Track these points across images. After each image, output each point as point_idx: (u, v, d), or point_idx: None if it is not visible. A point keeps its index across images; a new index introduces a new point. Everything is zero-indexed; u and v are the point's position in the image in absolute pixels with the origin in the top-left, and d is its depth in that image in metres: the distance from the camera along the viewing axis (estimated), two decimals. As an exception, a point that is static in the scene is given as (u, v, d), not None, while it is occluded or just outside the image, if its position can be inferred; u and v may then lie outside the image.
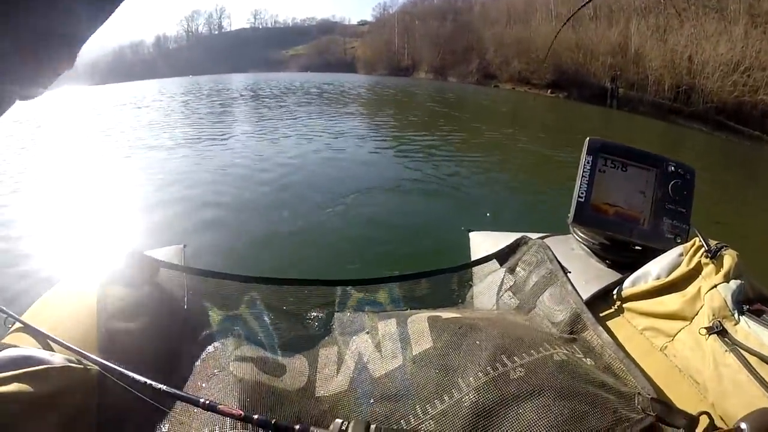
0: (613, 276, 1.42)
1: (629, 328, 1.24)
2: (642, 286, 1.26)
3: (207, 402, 0.81)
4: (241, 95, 26.29)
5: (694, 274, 1.15)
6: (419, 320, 1.22)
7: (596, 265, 1.53)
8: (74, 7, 0.35)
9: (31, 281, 3.87)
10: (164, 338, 1.19)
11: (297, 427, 0.79)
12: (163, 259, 1.44)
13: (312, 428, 0.80)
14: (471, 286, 1.74)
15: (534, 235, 1.73)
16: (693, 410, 0.86)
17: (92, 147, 10.44)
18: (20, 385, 0.78)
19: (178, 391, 0.87)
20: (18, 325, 1.07)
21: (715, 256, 1.12)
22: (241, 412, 0.80)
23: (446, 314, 1.26)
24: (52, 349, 0.97)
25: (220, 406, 0.80)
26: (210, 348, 1.17)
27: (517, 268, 1.60)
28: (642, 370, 1.03)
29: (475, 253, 1.93)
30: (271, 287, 1.53)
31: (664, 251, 1.28)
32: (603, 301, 1.34)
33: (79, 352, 0.94)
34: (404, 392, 1.01)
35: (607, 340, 1.12)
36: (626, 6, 36.36)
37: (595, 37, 37.85)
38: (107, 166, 8.39)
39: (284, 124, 14.00)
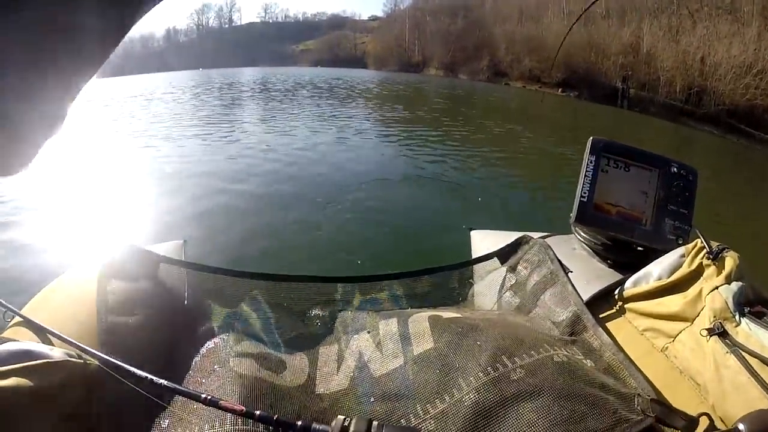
0: (614, 276, 1.41)
1: (630, 328, 1.24)
2: (643, 287, 1.25)
3: (209, 397, 0.81)
4: (251, 89, 26.36)
5: (695, 275, 1.16)
6: (420, 320, 1.22)
7: (598, 265, 1.52)
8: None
9: (30, 274, 3.86)
10: (164, 333, 1.18)
11: (299, 423, 0.81)
12: (163, 254, 1.42)
13: (314, 424, 0.81)
14: (472, 284, 1.73)
15: (535, 235, 1.72)
16: (693, 411, 0.87)
17: (99, 139, 10.47)
18: (19, 379, 0.76)
19: (179, 387, 0.87)
20: (17, 318, 1.06)
21: (716, 257, 1.12)
22: (243, 407, 0.80)
23: (447, 314, 1.27)
24: (51, 343, 0.96)
25: (221, 402, 0.80)
26: (210, 344, 1.16)
27: (518, 267, 1.60)
28: (642, 372, 1.04)
29: (477, 252, 1.91)
30: (271, 283, 1.52)
31: (665, 252, 1.28)
32: (604, 302, 1.34)
33: (79, 346, 0.93)
34: (405, 391, 1.02)
35: (607, 341, 1.14)
36: (639, 6, 36.17)
37: (607, 37, 37.70)
38: (112, 158, 8.42)
39: (291, 118, 14.05)
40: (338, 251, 4.47)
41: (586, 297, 1.31)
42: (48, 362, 0.83)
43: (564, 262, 1.47)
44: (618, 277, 1.39)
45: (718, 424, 0.88)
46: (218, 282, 1.45)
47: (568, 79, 39.39)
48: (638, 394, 0.93)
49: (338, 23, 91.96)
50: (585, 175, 1.49)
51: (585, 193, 1.47)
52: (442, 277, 1.74)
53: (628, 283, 1.31)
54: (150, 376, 0.86)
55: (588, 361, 1.08)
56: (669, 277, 1.21)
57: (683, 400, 0.97)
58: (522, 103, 27.88)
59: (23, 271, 3.95)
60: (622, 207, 1.48)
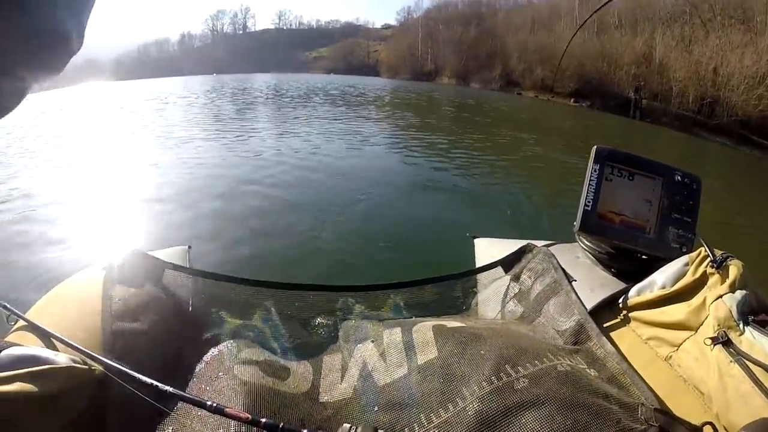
0: (618, 285, 1.41)
1: (634, 337, 1.24)
2: (647, 296, 1.26)
3: (214, 405, 0.81)
4: (264, 95, 26.38)
5: (699, 284, 1.16)
6: (424, 329, 1.23)
7: (602, 274, 1.52)
8: None
9: (35, 277, 3.91)
10: (168, 339, 1.20)
11: (304, 431, 0.80)
12: (168, 260, 1.45)
13: None
14: (476, 293, 1.75)
15: (539, 243, 1.73)
16: (697, 421, 0.88)
17: (111, 142, 10.51)
18: (24, 384, 0.77)
19: (185, 393, 0.88)
20: (21, 322, 1.07)
21: (720, 266, 1.13)
22: (248, 415, 0.81)
23: (451, 323, 1.27)
24: (56, 348, 0.97)
25: (227, 410, 0.81)
26: (214, 350, 1.17)
27: (522, 276, 1.61)
28: (645, 381, 1.04)
29: (480, 260, 1.94)
30: (276, 292, 1.54)
31: (669, 260, 1.29)
32: (608, 310, 1.34)
33: (85, 352, 0.94)
34: (409, 401, 1.02)
35: (611, 351, 1.14)
36: (651, 15, 36.02)
37: (620, 46, 37.55)
38: (122, 160, 8.43)
39: (302, 124, 13.99)
40: (343, 259, 4.45)
41: (589, 306, 1.32)
42: (53, 368, 0.84)
43: (568, 270, 1.48)
44: (622, 285, 1.39)
45: None
46: (223, 289, 1.48)
47: (580, 89, 39.22)
48: (642, 404, 0.93)
49: (352, 31, 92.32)
50: (589, 184, 1.49)
51: (589, 201, 1.48)
52: (446, 286, 1.75)
53: (632, 292, 1.31)
54: (156, 383, 0.87)
55: (592, 370, 1.08)
56: (673, 285, 1.21)
57: (687, 410, 0.97)
58: (533, 113, 27.70)
59: (28, 274, 3.98)
60: (626, 216, 1.48)
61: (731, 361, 0.96)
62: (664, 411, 0.91)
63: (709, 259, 1.16)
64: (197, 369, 1.11)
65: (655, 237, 1.45)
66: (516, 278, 1.62)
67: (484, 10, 60.30)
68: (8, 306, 1.08)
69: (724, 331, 1.01)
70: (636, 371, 1.07)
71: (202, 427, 0.90)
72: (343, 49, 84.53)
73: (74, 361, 0.89)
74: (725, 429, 0.93)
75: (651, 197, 1.48)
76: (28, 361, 0.82)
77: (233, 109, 18.92)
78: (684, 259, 1.23)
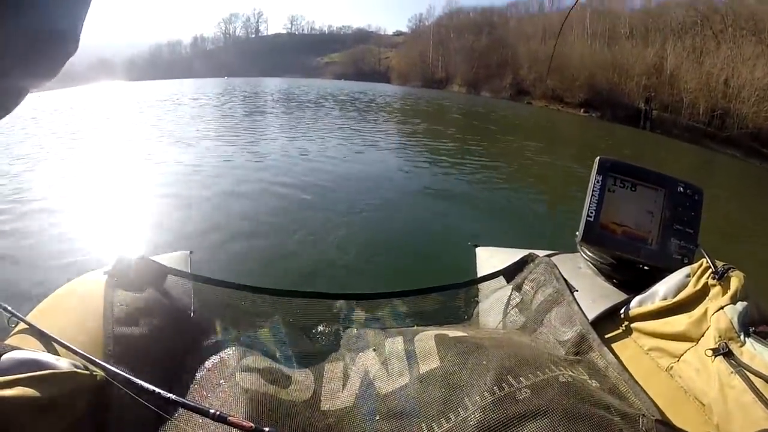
0: (620, 295, 1.41)
1: (635, 348, 1.24)
2: (649, 307, 1.26)
3: (217, 413, 0.81)
4: (274, 99, 26.48)
5: (701, 295, 1.16)
6: (426, 338, 1.24)
7: (603, 285, 1.52)
8: None
9: (36, 280, 3.87)
10: (170, 345, 1.20)
11: None
12: (169, 265, 1.45)
13: None
14: (477, 302, 1.75)
15: (541, 253, 1.74)
16: None
17: (119, 142, 10.54)
18: (25, 389, 0.76)
19: (187, 401, 0.87)
20: (23, 325, 1.06)
21: (722, 277, 1.13)
22: (252, 424, 0.79)
23: (453, 332, 1.29)
24: (57, 352, 0.97)
25: (230, 418, 0.80)
26: (216, 357, 1.17)
27: (524, 286, 1.61)
28: (646, 392, 1.05)
29: (482, 269, 1.93)
30: (278, 299, 1.54)
31: (671, 271, 1.29)
32: (609, 321, 1.34)
33: (87, 357, 0.94)
34: (410, 410, 1.03)
35: (612, 361, 1.14)
36: (663, 26, 35.99)
37: (630, 57, 37.51)
38: (129, 162, 8.45)
39: (311, 129, 14.00)
40: (343, 267, 4.43)
41: (591, 316, 1.32)
42: (55, 373, 0.83)
43: (570, 280, 1.48)
44: (623, 296, 1.39)
45: None
46: (225, 295, 1.48)
47: (590, 99, 39.21)
48: (643, 415, 0.93)
49: (363, 37, 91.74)
50: (592, 195, 1.49)
51: (591, 212, 1.48)
52: (448, 296, 1.76)
53: (634, 303, 1.31)
54: (158, 390, 0.86)
55: (593, 381, 1.08)
56: (674, 296, 1.21)
57: (688, 420, 0.98)
58: (542, 122, 27.60)
59: (28, 276, 3.96)
60: (628, 226, 1.48)
61: (732, 372, 0.97)
62: (665, 422, 0.92)
63: (710, 270, 1.17)
64: (198, 375, 1.11)
65: (657, 248, 1.45)
66: (518, 288, 1.63)
67: (496, 19, 60.34)
68: (9, 308, 1.08)
69: (725, 343, 1.02)
70: (637, 382, 1.08)
71: None
72: (355, 55, 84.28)
73: (76, 366, 0.90)
74: None
75: (653, 208, 1.48)
76: (29, 366, 0.82)
77: (243, 112, 18.94)
78: (686, 270, 1.24)
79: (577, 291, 1.43)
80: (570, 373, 1.06)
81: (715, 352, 1.01)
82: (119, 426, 0.91)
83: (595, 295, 1.43)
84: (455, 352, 1.13)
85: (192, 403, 0.86)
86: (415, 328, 1.48)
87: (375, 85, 52.53)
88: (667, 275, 1.28)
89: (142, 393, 0.87)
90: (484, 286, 1.77)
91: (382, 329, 1.46)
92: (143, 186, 6.95)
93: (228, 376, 1.07)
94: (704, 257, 1.22)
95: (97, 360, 0.93)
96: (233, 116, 17.36)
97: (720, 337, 1.03)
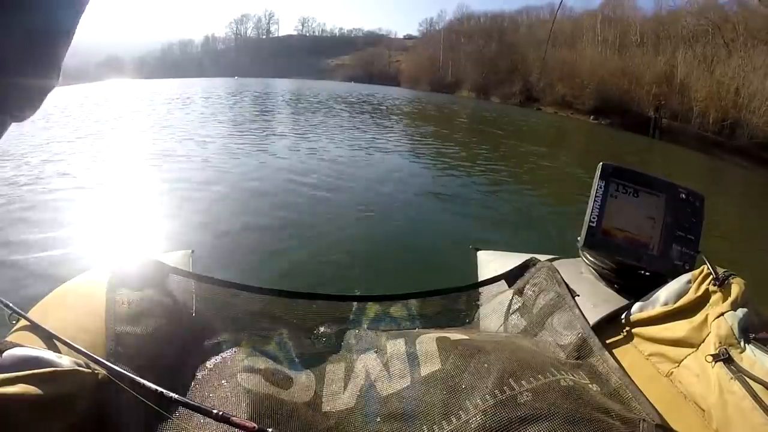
0: (621, 301, 1.41)
1: (635, 353, 1.24)
2: (649, 312, 1.26)
3: (220, 413, 0.81)
4: (284, 100, 26.52)
5: (701, 301, 1.17)
6: (428, 341, 1.24)
7: (605, 290, 1.52)
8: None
9: (37, 277, 3.88)
10: (172, 345, 1.19)
11: None
12: (171, 264, 1.44)
13: None
14: (478, 306, 1.74)
15: (543, 257, 1.74)
16: None
17: (127, 140, 10.56)
18: (27, 386, 0.76)
19: (190, 401, 0.88)
20: (23, 322, 1.06)
21: (722, 284, 1.14)
22: (254, 425, 0.79)
23: (455, 335, 1.29)
24: (58, 350, 0.97)
25: (233, 418, 0.80)
26: (218, 357, 1.19)
27: (526, 290, 1.61)
28: (646, 397, 1.05)
29: (483, 273, 1.93)
30: (280, 299, 1.54)
31: (672, 277, 1.29)
32: (610, 326, 1.33)
33: (89, 355, 0.94)
34: (411, 412, 1.04)
35: (613, 366, 1.15)
36: (674, 34, 35.90)
37: (641, 65, 37.42)
38: (134, 160, 8.44)
39: (317, 130, 13.93)
40: (346, 269, 4.41)
41: (592, 321, 1.32)
42: (57, 370, 0.83)
43: (571, 285, 1.48)
44: (625, 301, 1.39)
45: None
46: (227, 295, 1.47)
47: (600, 106, 39.13)
48: (643, 420, 0.95)
49: (374, 40, 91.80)
50: (594, 200, 1.49)
51: (594, 218, 1.47)
52: (450, 299, 1.75)
53: (635, 308, 1.31)
54: (161, 389, 0.86)
55: (594, 385, 1.08)
56: (675, 302, 1.21)
57: (688, 426, 0.99)
58: (550, 129, 27.48)
59: (28, 272, 3.96)
60: (630, 232, 1.48)
61: (732, 378, 0.97)
62: (665, 427, 0.94)
63: (711, 276, 1.17)
64: (200, 375, 1.12)
65: (659, 254, 1.45)
66: (519, 292, 1.63)
67: (506, 24, 60.34)
68: (11, 305, 1.08)
69: (725, 349, 1.02)
70: (637, 387, 1.08)
71: None
72: (365, 57, 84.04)
73: (77, 364, 0.89)
74: None
75: (655, 214, 1.48)
76: (31, 363, 0.82)
77: (252, 112, 18.91)
78: (687, 276, 1.24)
79: (578, 296, 1.43)
80: (571, 377, 1.06)
81: (715, 358, 1.01)
82: (120, 424, 0.90)
83: (596, 300, 1.43)
84: (457, 355, 1.14)
85: (195, 403, 0.86)
86: (417, 330, 1.48)
87: (384, 89, 52.42)
88: (668, 281, 1.29)
89: (144, 391, 0.87)
90: (485, 290, 1.76)
91: (383, 331, 1.46)
92: (148, 183, 6.95)
93: (229, 377, 1.07)
94: (705, 263, 1.22)
95: (99, 358, 0.93)
96: (242, 116, 17.37)
97: (720, 343, 1.03)
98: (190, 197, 6.29)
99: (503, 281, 1.71)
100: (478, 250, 2.13)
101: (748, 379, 0.94)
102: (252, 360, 1.17)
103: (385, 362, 1.23)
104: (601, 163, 1.52)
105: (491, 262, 1.93)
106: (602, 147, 21.61)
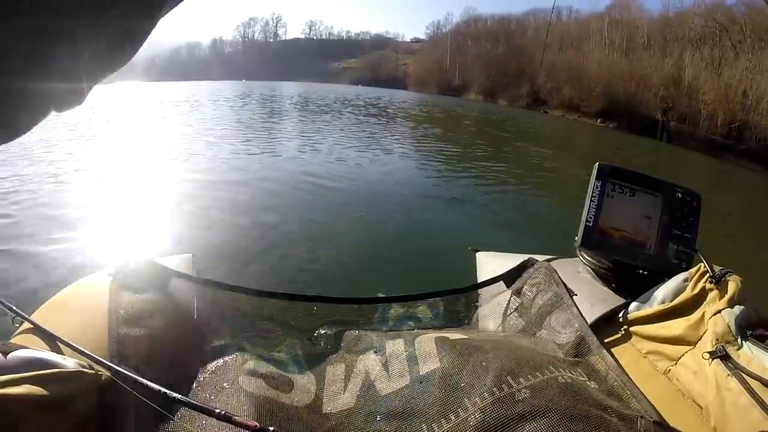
0: (618, 300, 1.43)
1: (633, 351, 1.25)
2: (647, 311, 1.28)
3: (222, 413, 0.82)
4: (291, 103, 26.61)
5: (698, 299, 1.19)
6: (426, 340, 1.25)
7: (602, 289, 1.54)
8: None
9: (40, 280, 3.81)
10: (174, 347, 1.20)
11: None
12: (173, 268, 1.45)
13: None
14: (477, 306, 1.76)
15: (540, 257, 1.75)
16: None
17: (135, 144, 10.53)
18: (32, 387, 0.77)
19: (192, 401, 0.88)
20: (27, 325, 1.07)
21: (719, 281, 1.16)
22: (256, 423, 0.80)
23: (453, 335, 1.31)
24: (61, 352, 0.97)
25: (235, 417, 0.82)
26: (219, 361, 1.19)
27: (524, 290, 1.62)
28: (644, 394, 1.06)
29: (482, 274, 1.95)
30: (280, 302, 1.56)
31: (669, 276, 1.32)
32: (608, 325, 1.35)
33: (92, 357, 0.94)
34: (411, 411, 1.04)
35: (611, 364, 1.16)
36: (681, 36, 35.77)
37: (648, 67, 37.30)
38: (140, 163, 8.41)
39: (322, 133, 13.89)
40: (344, 271, 4.39)
41: (590, 320, 1.33)
42: (61, 372, 0.84)
43: (569, 285, 1.49)
44: (622, 300, 1.41)
45: None
46: (228, 298, 1.48)
47: (608, 109, 39.05)
48: (641, 416, 0.95)
49: (381, 43, 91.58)
50: (591, 200, 1.51)
51: (590, 217, 1.50)
52: (448, 300, 1.76)
53: (632, 307, 1.33)
54: (164, 390, 0.87)
55: (592, 382, 1.09)
56: (672, 300, 1.23)
57: (685, 423, 0.99)
58: (556, 131, 27.32)
59: (33, 277, 3.92)
60: (627, 232, 1.49)
61: (729, 375, 0.98)
62: (662, 423, 0.95)
63: (708, 274, 1.19)
64: (202, 378, 1.13)
65: (655, 253, 1.46)
66: (517, 292, 1.64)
67: (514, 27, 60.29)
68: (14, 308, 1.08)
69: (722, 346, 1.03)
70: (635, 385, 1.09)
71: None
72: (372, 61, 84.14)
73: (81, 366, 0.90)
74: None
75: (651, 213, 1.50)
76: (36, 364, 0.82)
77: (259, 115, 18.98)
78: (683, 274, 1.26)
79: (576, 295, 1.44)
80: (569, 374, 1.07)
81: (712, 355, 1.03)
82: (123, 425, 0.91)
83: (594, 299, 1.45)
84: (455, 354, 1.14)
85: (198, 403, 0.86)
86: (416, 331, 1.49)
87: (391, 92, 52.38)
88: (666, 280, 1.31)
89: (147, 393, 0.87)
90: (484, 291, 1.77)
91: (383, 332, 1.47)
92: (151, 186, 6.89)
93: (231, 380, 1.09)
94: (702, 262, 1.24)
95: (103, 360, 0.93)
96: (249, 119, 17.38)
97: (717, 340, 1.05)
98: (192, 200, 6.24)
99: (501, 282, 1.72)
100: (476, 251, 2.14)
101: (745, 376, 0.95)
102: (253, 362, 1.18)
103: (384, 362, 1.23)
104: (597, 164, 1.54)
105: (490, 263, 1.95)
106: (608, 150, 21.47)
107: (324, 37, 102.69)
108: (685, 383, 1.08)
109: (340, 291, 3.77)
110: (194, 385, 1.10)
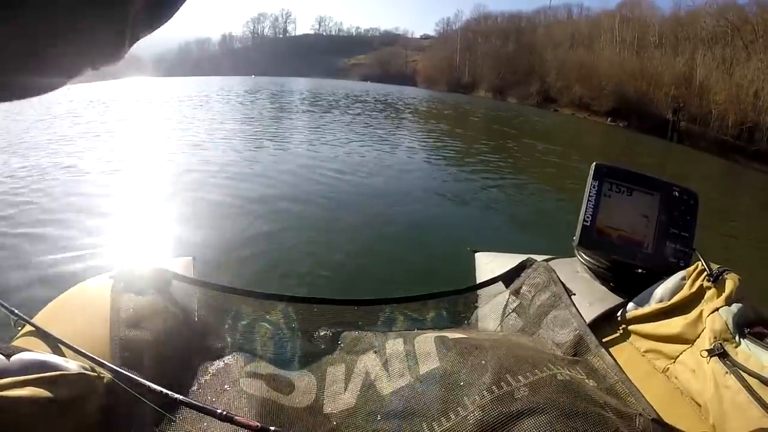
0: (616, 299, 1.42)
1: (631, 350, 1.25)
2: (645, 309, 1.27)
3: (224, 413, 0.82)
4: (300, 99, 26.67)
5: (696, 297, 1.18)
6: (426, 340, 1.24)
7: (600, 288, 1.54)
8: None
9: (41, 283, 3.85)
10: (175, 350, 1.19)
11: None
12: (173, 271, 1.44)
13: None
14: (476, 307, 1.74)
15: (539, 257, 1.75)
16: None
17: (140, 140, 10.62)
18: (34, 389, 0.77)
19: (195, 402, 0.88)
20: (29, 328, 1.06)
21: (716, 279, 1.15)
22: (258, 423, 0.80)
23: (452, 335, 1.28)
24: (63, 355, 0.96)
25: (237, 417, 0.82)
26: (220, 362, 1.19)
27: (522, 290, 1.62)
28: (642, 393, 1.05)
29: (480, 274, 1.95)
30: (280, 304, 1.54)
31: (667, 275, 1.31)
32: (606, 324, 1.35)
33: (95, 359, 0.93)
34: (411, 410, 1.03)
35: (610, 362, 1.16)
36: (692, 35, 35.55)
37: (659, 66, 37.09)
38: (144, 162, 8.43)
39: (328, 130, 13.87)
40: (344, 272, 4.43)
41: (588, 319, 1.32)
42: (64, 374, 0.83)
43: (567, 284, 1.49)
44: (620, 299, 1.40)
45: None
46: (229, 301, 1.48)
47: (618, 108, 38.89)
48: (639, 414, 0.95)
49: (390, 40, 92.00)
50: (588, 200, 1.50)
51: (588, 217, 1.49)
52: (447, 301, 1.74)
53: (630, 306, 1.32)
54: (166, 391, 0.86)
55: (590, 381, 1.09)
56: (670, 299, 1.23)
57: (684, 421, 0.99)
58: (564, 130, 27.20)
59: (34, 279, 3.93)
60: (624, 231, 1.49)
61: (727, 373, 0.98)
62: (660, 421, 0.95)
63: (705, 273, 1.19)
64: (203, 380, 1.12)
65: (653, 252, 1.45)
66: (516, 292, 1.63)
67: (524, 25, 60.18)
68: (16, 311, 1.08)
69: (720, 343, 1.02)
70: (633, 383, 1.09)
71: None
72: (381, 57, 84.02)
73: (83, 368, 0.89)
74: None
75: (649, 212, 1.49)
76: (38, 367, 0.82)
77: (267, 111, 19.08)
78: (681, 273, 1.26)
79: (574, 294, 1.44)
80: (568, 371, 1.06)
81: (711, 353, 1.03)
82: (126, 428, 0.90)
83: (592, 298, 1.45)
84: (455, 353, 1.14)
85: (199, 404, 0.85)
86: (416, 331, 1.46)
87: (400, 88, 52.25)
88: (663, 278, 1.30)
89: (149, 395, 0.87)
90: (483, 291, 1.74)
91: (382, 332, 1.45)
92: (154, 188, 6.94)
93: (233, 382, 1.08)
94: (700, 260, 1.24)
95: (105, 362, 0.92)
96: (257, 115, 17.41)
97: (715, 338, 1.05)
98: (193, 202, 6.28)
99: (500, 282, 1.71)
100: (475, 251, 2.13)
101: (743, 373, 0.95)
102: (254, 364, 1.19)
103: (384, 362, 1.23)
104: (594, 163, 1.53)
105: (488, 264, 1.95)
106: (617, 149, 21.40)
107: (333, 33, 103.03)
108: (684, 381, 1.09)
109: (339, 292, 3.80)
110: (195, 387, 1.10)
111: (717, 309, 1.09)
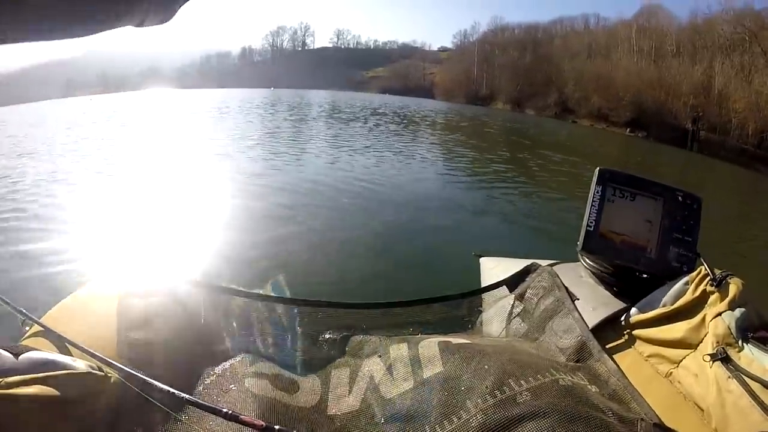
0: (620, 303, 1.44)
1: (635, 354, 1.26)
2: (648, 314, 1.28)
3: (230, 412, 0.84)
4: (319, 111, 26.76)
5: (699, 302, 1.18)
6: (430, 345, 1.27)
7: (604, 293, 1.54)
8: None
9: (48, 285, 3.85)
10: (181, 351, 1.22)
11: None
12: (180, 273, 1.49)
13: None
14: (480, 312, 1.79)
15: (543, 262, 1.78)
16: None
17: (159, 148, 10.70)
18: (43, 387, 0.79)
19: (200, 401, 0.91)
20: (37, 327, 1.09)
21: (720, 284, 1.16)
22: (263, 422, 0.83)
23: (456, 339, 1.32)
24: (71, 354, 1.00)
25: (242, 416, 0.84)
26: (226, 364, 1.21)
27: (527, 295, 1.65)
28: (644, 398, 1.07)
29: (485, 278, 1.99)
30: (286, 307, 1.59)
31: (670, 279, 1.32)
32: (610, 328, 1.36)
33: (102, 358, 0.97)
34: (414, 413, 1.06)
35: (612, 368, 1.17)
36: (710, 43, 35.18)
37: (678, 75, 36.74)
38: (159, 167, 8.46)
39: (347, 140, 13.94)
40: (350, 276, 4.36)
41: (592, 324, 1.35)
42: (72, 373, 0.86)
43: (571, 289, 1.52)
44: (623, 304, 1.42)
45: None
46: (234, 303, 1.52)
47: (637, 118, 38.51)
48: (641, 419, 0.96)
49: (408, 52, 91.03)
50: (592, 205, 1.51)
51: (591, 222, 1.50)
52: (452, 305, 1.80)
53: (634, 310, 1.34)
54: (172, 390, 0.89)
55: (593, 386, 1.10)
56: (673, 304, 1.23)
57: (687, 425, 1.00)
58: (583, 141, 26.90)
59: (41, 280, 3.98)
60: (627, 236, 1.49)
61: (729, 377, 0.98)
62: (663, 426, 0.95)
63: (708, 277, 1.19)
64: (209, 380, 1.15)
65: (656, 256, 1.46)
66: (520, 297, 1.66)
67: (541, 36, 59.86)
68: (24, 311, 1.11)
69: (723, 348, 1.03)
70: (635, 389, 1.10)
71: None
72: (399, 69, 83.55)
73: (91, 367, 0.92)
74: None
75: (652, 217, 1.50)
76: (47, 366, 0.84)
77: (287, 122, 19.06)
78: (685, 278, 1.26)
79: (578, 299, 1.47)
80: (570, 377, 1.09)
81: (713, 357, 1.03)
82: (132, 426, 0.93)
83: (595, 303, 1.45)
84: (458, 358, 1.17)
85: (205, 403, 0.89)
86: (420, 336, 1.50)
87: (418, 101, 51.95)
88: (667, 283, 1.31)
89: (156, 394, 0.90)
90: (487, 296, 1.80)
91: (387, 337, 1.49)
92: (162, 192, 6.91)
93: (238, 382, 1.11)
94: (703, 265, 1.24)
95: (112, 361, 0.95)
96: (276, 127, 17.43)
97: (718, 342, 1.05)
98: (198, 206, 6.27)
99: (504, 287, 1.76)
100: (480, 256, 2.19)
101: (745, 378, 0.96)
102: (259, 366, 1.22)
103: (388, 366, 1.26)
104: (597, 168, 1.54)
105: (493, 268, 1.99)
106: (635, 160, 21.09)
107: (351, 46, 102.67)
108: (687, 386, 1.09)
109: (346, 296, 3.74)
110: (201, 386, 1.13)
111: (720, 313, 1.10)
